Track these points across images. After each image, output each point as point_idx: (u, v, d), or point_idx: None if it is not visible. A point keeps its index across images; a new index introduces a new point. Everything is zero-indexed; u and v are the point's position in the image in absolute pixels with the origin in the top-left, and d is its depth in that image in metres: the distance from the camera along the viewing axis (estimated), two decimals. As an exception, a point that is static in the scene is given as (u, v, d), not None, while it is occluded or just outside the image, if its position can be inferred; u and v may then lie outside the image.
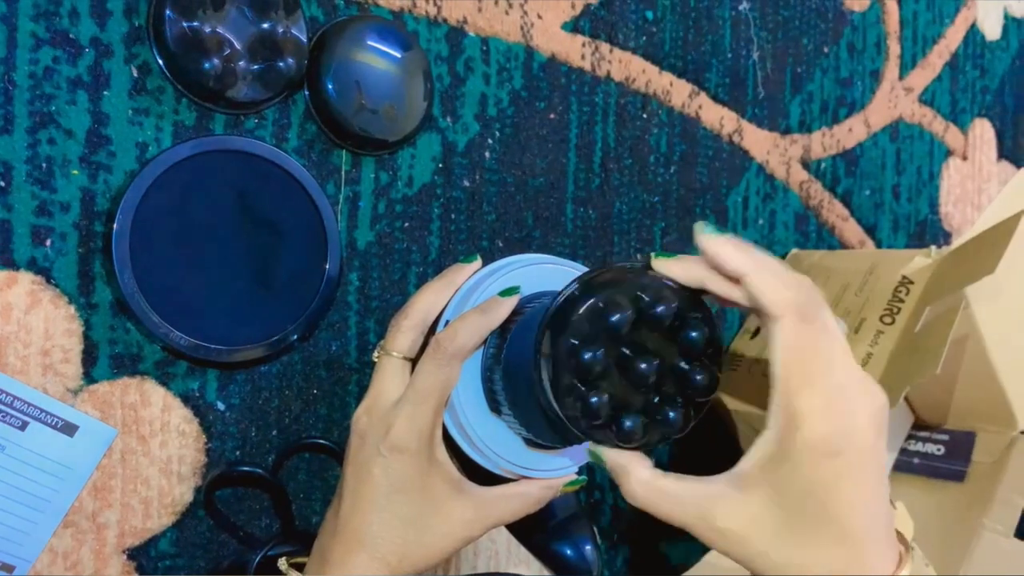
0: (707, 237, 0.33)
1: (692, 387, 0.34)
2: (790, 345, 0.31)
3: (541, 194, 0.61)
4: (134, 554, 0.47)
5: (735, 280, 0.33)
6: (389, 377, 0.40)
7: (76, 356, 0.45)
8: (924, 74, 0.87)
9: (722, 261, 0.32)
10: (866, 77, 0.81)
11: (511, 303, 0.39)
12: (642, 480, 0.34)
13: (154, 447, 0.48)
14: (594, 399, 0.33)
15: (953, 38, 0.90)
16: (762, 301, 0.32)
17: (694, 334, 0.34)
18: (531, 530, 0.60)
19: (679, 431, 0.35)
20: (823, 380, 0.31)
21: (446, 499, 0.39)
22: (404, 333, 0.41)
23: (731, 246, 0.32)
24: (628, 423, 0.34)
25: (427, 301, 0.41)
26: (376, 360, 0.41)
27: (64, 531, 0.46)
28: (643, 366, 0.33)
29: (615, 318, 0.33)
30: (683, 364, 0.34)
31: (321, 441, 0.52)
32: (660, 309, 0.33)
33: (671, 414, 0.34)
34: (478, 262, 0.43)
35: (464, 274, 0.42)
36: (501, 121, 0.59)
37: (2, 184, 0.43)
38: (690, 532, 0.34)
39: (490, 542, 0.59)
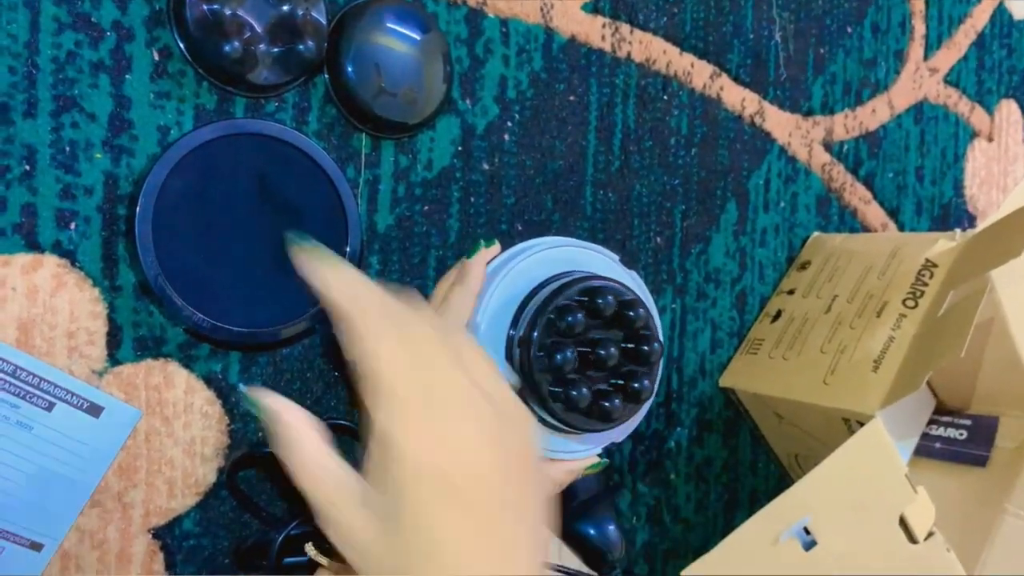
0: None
1: (631, 390, 0.43)
2: (350, 343, 0.31)
3: (560, 177, 0.61)
4: (159, 533, 0.48)
5: None
6: None
7: (101, 338, 0.46)
8: (949, 54, 0.85)
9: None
10: (890, 58, 0.80)
11: (480, 261, 0.41)
12: (311, 452, 0.33)
13: (178, 428, 0.48)
14: (558, 356, 0.40)
15: (980, 17, 0.88)
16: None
17: (644, 347, 0.43)
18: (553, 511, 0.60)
19: (611, 419, 0.42)
20: (380, 363, 0.31)
21: None
22: None
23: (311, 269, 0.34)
24: (576, 391, 0.40)
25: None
26: None
27: (91, 510, 0.46)
28: (602, 352, 0.41)
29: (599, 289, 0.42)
30: (631, 367, 0.43)
31: (342, 422, 0.53)
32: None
33: (605, 404, 0.42)
34: (496, 247, 0.43)
35: (487, 256, 0.43)
36: (520, 103, 0.59)
37: (27, 168, 0.44)
38: (317, 512, 0.32)
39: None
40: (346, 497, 0.31)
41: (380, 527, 0.29)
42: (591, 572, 0.60)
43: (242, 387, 0.39)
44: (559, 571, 0.50)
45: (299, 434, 0.33)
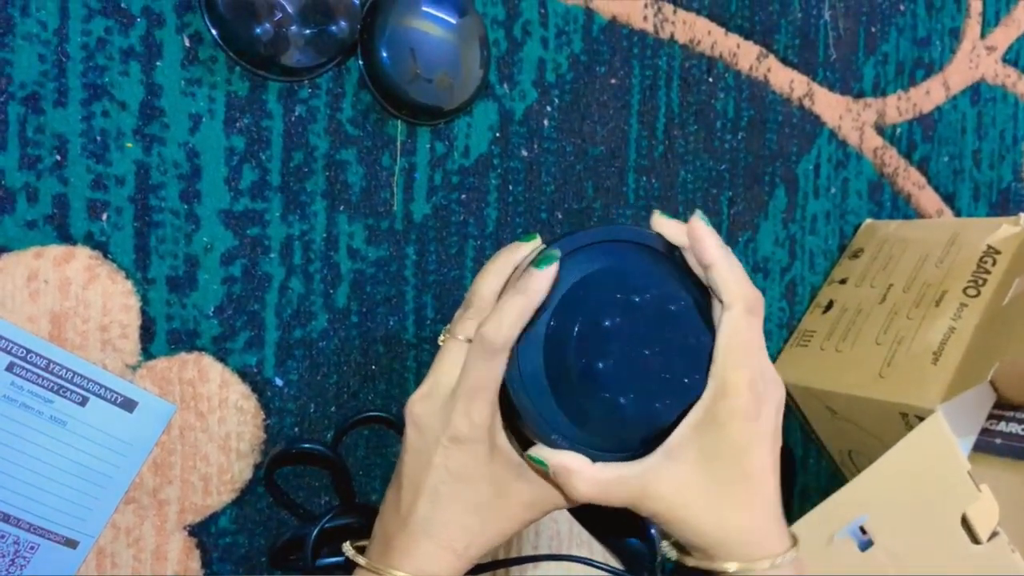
0: (696, 222, 0.38)
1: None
2: (734, 329, 0.37)
3: (602, 163, 0.59)
4: (195, 530, 0.47)
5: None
6: (451, 362, 0.39)
7: (134, 331, 0.45)
8: (1008, 32, 0.82)
9: (702, 248, 0.37)
10: (945, 36, 0.77)
11: (549, 275, 0.36)
12: (586, 477, 0.37)
13: (212, 423, 0.47)
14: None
15: (1040, -7, 0.84)
16: (722, 288, 0.37)
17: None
18: (592, 512, 0.58)
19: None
20: (753, 362, 0.37)
21: (508, 484, 0.38)
22: (471, 319, 0.39)
23: (712, 237, 0.38)
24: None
25: (491, 283, 0.40)
26: (441, 343, 0.40)
27: (126, 507, 0.46)
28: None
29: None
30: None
31: (380, 414, 0.51)
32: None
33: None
34: (537, 240, 0.41)
35: (522, 252, 0.41)
36: (560, 87, 0.57)
37: (58, 158, 0.43)
38: (634, 509, 0.38)
39: (552, 522, 0.58)
40: (645, 471, 0.37)
41: (693, 465, 0.37)
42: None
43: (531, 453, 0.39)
44: (603, 569, 0.48)
45: (579, 471, 0.37)
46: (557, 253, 0.37)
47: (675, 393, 0.38)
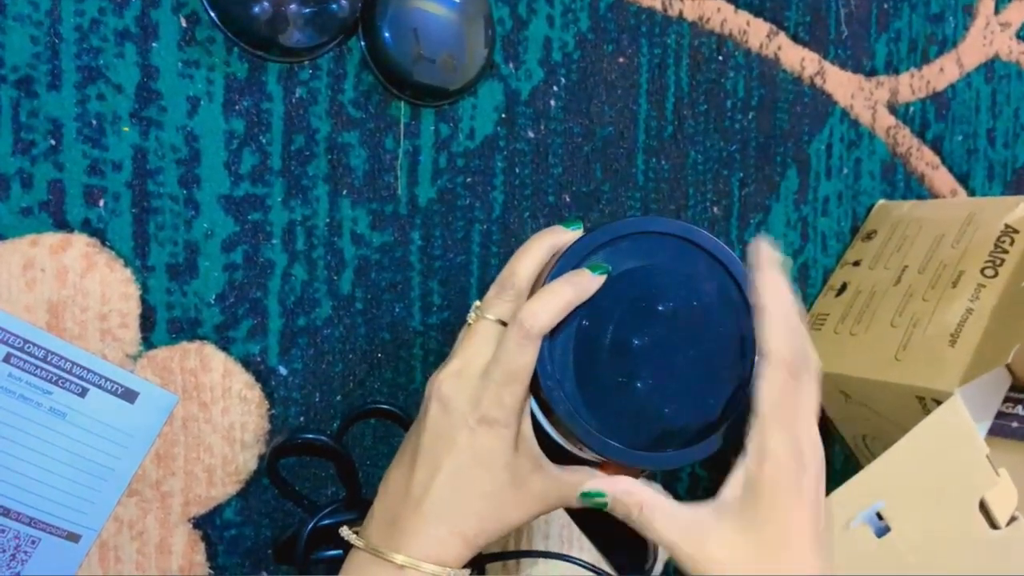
0: (764, 245, 0.38)
1: None
2: (774, 391, 0.36)
3: (610, 144, 0.57)
4: (200, 523, 0.46)
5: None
6: (482, 342, 0.38)
7: (134, 320, 0.44)
8: (1022, 8, 0.80)
9: (759, 289, 0.37)
10: (958, 12, 0.75)
11: (600, 282, 0.37)
12: (651, 504, 0.37)
13: (216, 414, 0.46)
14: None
15: (1055, -33, 0.83)
16: (764, 345, 0.36)
17: None
18: (589, 514, 0.57)
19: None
20: (792, 428, 0.36)
21: (525, 473, 0.38)
22: (506, 302, 0.38)
23: (779, 282, 0.37)
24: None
25: (529, 265, 0.39)
26: (471, 322, 0.39)
27: (128, 500, 0.45)
28: None
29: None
30: None
31: (387, 407, 0.50)
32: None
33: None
34: (581, 229, 0.40)
35: (563, 238, 0.40)
36: (566, 66, 0.55)
37: (52, 142, 0.42)
38: (673, 552, 0.37)
39: (561, 514, 0.57)
40: (704, 524, 0.36)
41: (742, 528, 0.36)
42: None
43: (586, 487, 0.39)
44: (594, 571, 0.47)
45: (654, 506, 0.37)
46: (609, 268, 0.38)
47: (691, 403, 0.38)
